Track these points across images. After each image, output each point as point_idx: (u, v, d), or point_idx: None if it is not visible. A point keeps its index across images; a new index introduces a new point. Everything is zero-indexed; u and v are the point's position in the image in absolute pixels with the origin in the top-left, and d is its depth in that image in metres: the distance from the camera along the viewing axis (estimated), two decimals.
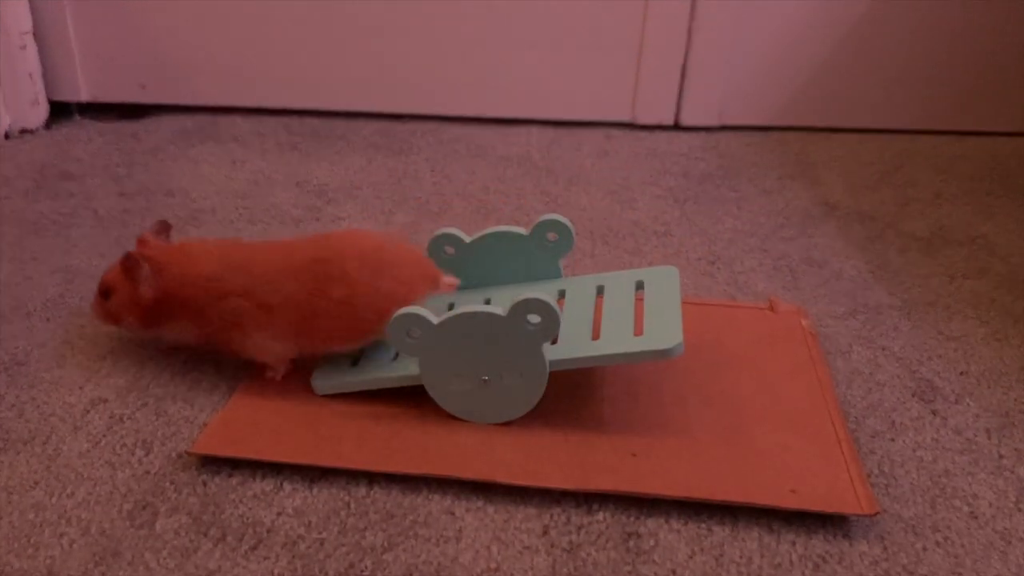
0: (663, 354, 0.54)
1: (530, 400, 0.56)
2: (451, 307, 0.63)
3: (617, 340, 0.55)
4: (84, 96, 1.10)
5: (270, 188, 0.92)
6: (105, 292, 0.62)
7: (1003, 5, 1.07)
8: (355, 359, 0.60)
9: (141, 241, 0.63)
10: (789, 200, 0.94)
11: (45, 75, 1.06)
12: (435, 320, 0.53)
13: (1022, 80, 1.11)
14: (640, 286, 0.62)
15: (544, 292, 0.52)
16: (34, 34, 1.03)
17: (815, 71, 1.10)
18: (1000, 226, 0.89)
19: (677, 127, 1.12)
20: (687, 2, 1.04)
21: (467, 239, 0.64)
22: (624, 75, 1.09)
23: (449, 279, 0.61)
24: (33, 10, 1.03)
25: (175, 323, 0.60)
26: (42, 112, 1.06)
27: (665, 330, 0.55)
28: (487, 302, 0.63)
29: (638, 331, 0.56)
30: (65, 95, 1.09)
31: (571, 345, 0.56)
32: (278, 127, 1.08)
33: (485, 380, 0.55)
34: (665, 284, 0.61)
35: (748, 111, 1.12)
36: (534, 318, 0.52)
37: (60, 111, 1.10)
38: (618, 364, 0.55)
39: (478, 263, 0.65)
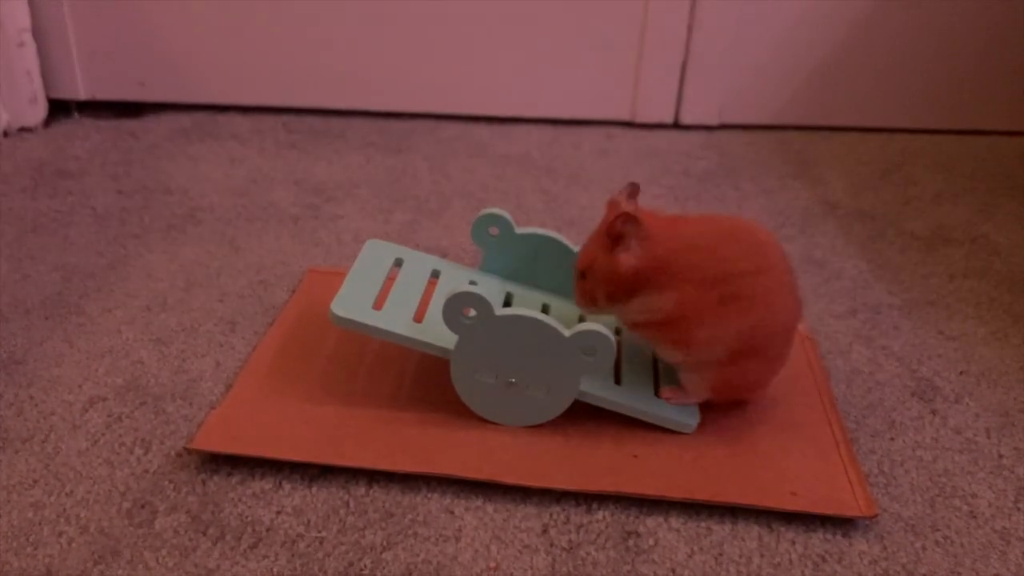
0: (682, 426, 0.56)
1: (544, 416, 0.56)
2: (472, 284, 0.63)
3: (640, 395, 0.57)
4: (83, 94, 1.09)
5: (268, 186, 0.92)
6: (583, 272, 0.55)
7: (1003, 4, 1.07)
8: (376, 300, 0.58)
9: (612, 204, 0.56)
10: (790, 199, 0.94)
11: (44, 73, 1.06)
12: (496, 311, 0.52)
13: (1022, 80, 1.11)
14: None
15: (605, 327, 0.52)
16: (32, 31, 1.03)
17: (815, 71, 1.10)
18: (1000, 225, 0.89)
19: (677, 126, 1.12)
20: (687, 2, 1.04)
21: (517, 229, 0.63)
22: (624, 74, 1.09)
23: None
24: (32, 7, 1.02)
25: (653, 295, 0.53)
26: (41, 110, 1.05)
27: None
28: (507, 296, 0.63)
29: (657, 391, 0.58)
30: (64, 93, 1.09)
31: (595, 381, 0.56)
32: (276, 125, 1.08)
33: (511, 383, 0.55)
34: None
35: (748, 110, 1.12)
36: (591, 351, 0.53)
37: (59, 109, 1.09)
38: (634, 416, 0.56)
39: (516, 256, 0.64)
